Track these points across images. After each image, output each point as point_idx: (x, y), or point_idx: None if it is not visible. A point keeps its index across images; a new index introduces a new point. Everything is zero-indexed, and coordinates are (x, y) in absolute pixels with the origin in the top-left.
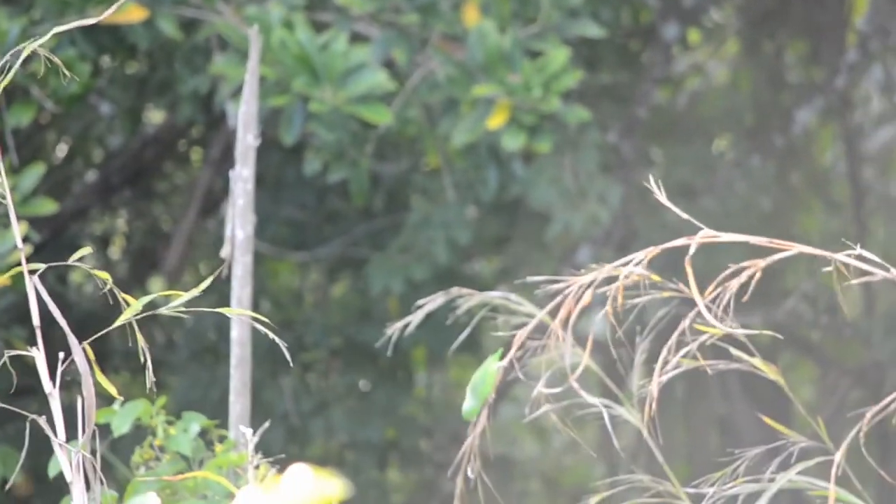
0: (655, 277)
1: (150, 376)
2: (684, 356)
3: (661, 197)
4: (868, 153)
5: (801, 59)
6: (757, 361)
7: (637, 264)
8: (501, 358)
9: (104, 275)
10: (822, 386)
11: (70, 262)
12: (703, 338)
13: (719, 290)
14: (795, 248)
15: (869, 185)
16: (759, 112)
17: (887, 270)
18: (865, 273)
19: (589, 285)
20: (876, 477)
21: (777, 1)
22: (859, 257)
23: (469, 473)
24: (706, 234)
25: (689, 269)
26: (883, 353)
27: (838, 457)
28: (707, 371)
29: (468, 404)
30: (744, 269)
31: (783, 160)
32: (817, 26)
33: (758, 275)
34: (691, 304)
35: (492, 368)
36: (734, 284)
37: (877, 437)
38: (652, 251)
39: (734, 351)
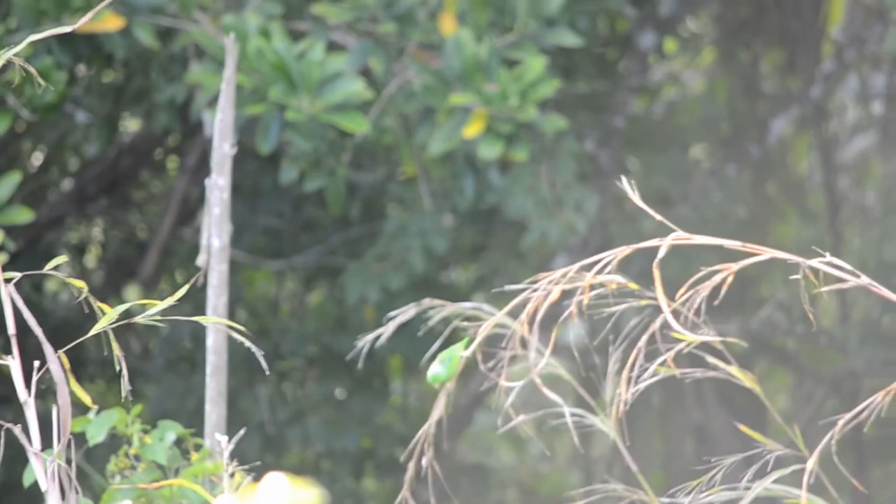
0: (633, 285)
1: (125, 385)
2: (659, 364)
3: (637, 199)
4: (844, 163)
5: (777, 69)
6: (733, 370)
7: (607, 264)
8: (467, 347)
9: (80, 283)
10: (797, 394)
11: (46, 270)
12: (679, 346)
13: (691, 293)
14: (768, 253)
15: (844, 194)
16: (735, 121)
17: (858, 277)
18: (839, 281)
19: (557, 283)
20: (853, 484)
21: (753, 11)
22: (831, 264)
23: (423, 462)
24: (678, 237)
25: (656, 273)
26: (858, 361)
27: (810, 464)
28: (682, 379)
29: (434, 371)
30: (716, 272)
31: (759, 169)
32: (793, 36)
33: (730, 278)
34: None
35: (458, 352)
36: (706, 288)
37: (853, 444)
38: (622, 251)
39: (710, 359)
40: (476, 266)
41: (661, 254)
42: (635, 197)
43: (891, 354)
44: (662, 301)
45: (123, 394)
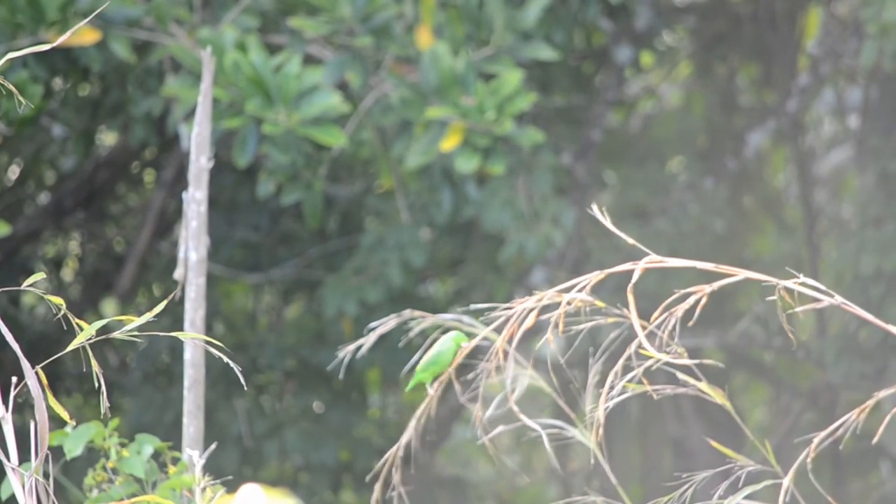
0: (600, 304)
1: (104, 402)
2: (634, 381)
3: (608, 224)
4: (820, 176)
5: (753, 83)
6: (704, 386)
7: (582, 289)
8: (458, 345)
9: (58, 300)
10: (774, 407)
11: (24, 287)
12: (651, 362)
13: (666, 314)
14: (743, 274)
15: (821, 207)
16: (712, 135)
17: (832, 297)
18: (815, 299)
19: (532, 308)
20: (830, 497)
21: (729, 24)
22: (806, 284)
23: (395, 484)
24: (651, 260)
25: (630, 297)
26: (835, 374)
27: (786, 482)
28: (658, 394)
29: (426, 362)
30: (691, 293)
31: (736, 182)
32: (769, 50)
33: (704, 300)
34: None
35: (450, 347)
36: (681, 309)
37: (829, 459)
38: (596, 276)
39: (684, 376)
40: (454, 279)
41: (634, 278)
42: (607, 222)
43: (867, 368)
44: (637, 323)
45: (102, 410)
